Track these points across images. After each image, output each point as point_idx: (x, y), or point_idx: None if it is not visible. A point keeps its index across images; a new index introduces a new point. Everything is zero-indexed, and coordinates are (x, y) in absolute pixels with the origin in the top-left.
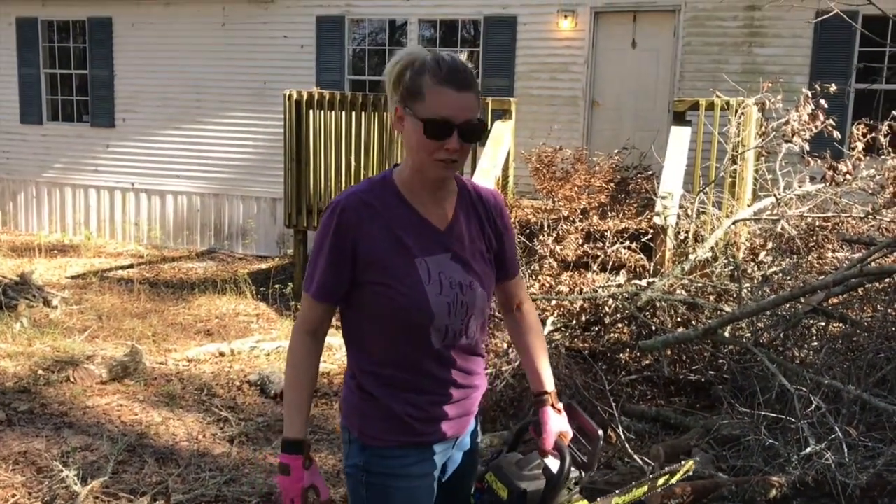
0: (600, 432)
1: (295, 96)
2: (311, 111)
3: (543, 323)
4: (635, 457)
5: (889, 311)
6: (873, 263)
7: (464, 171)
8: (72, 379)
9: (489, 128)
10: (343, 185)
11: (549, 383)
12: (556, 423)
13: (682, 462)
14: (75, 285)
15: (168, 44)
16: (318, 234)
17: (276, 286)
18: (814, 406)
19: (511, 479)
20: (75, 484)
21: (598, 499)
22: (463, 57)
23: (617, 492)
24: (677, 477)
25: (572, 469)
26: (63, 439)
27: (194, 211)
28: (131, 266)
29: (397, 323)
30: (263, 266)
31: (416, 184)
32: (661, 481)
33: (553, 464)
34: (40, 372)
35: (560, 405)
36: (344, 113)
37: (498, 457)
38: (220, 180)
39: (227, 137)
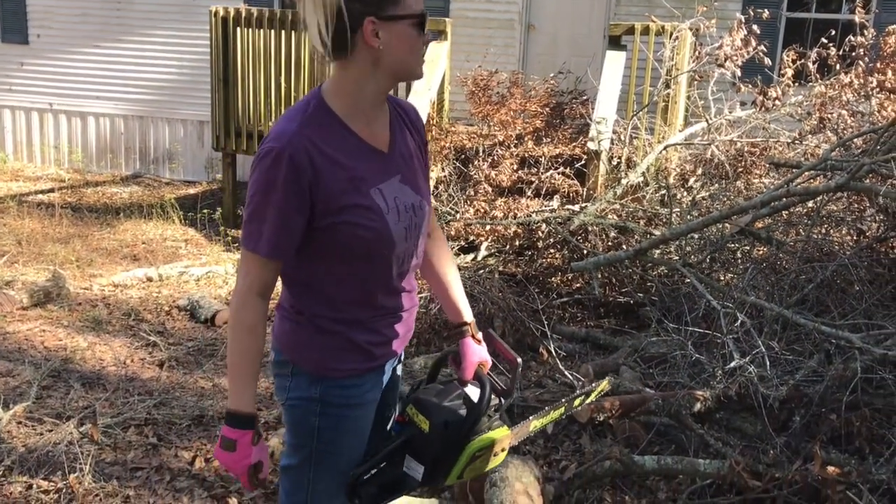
0: (519, 360)
1: (221, 13)
2: (238, 29)
3: (478, 248)
4: (566, 373)
5: (812, 234)
6: (799, 186)
7: (397, 91)
8: None
9: None
10: (273, 106)
11: (468, 314)
12: (477, 354)
13: (596, 382)
14: None
15: None
16: (260, 186)
17: (205, 211)
18: (738, 322)
19: (432, 410)
20: None
21: (516, 426)
22: None
23: (532, 417)
24: (592, 397)
25: (493, 397)
26: None
27: (118, 134)
28: (52, 190)
29: (360, 259)
30: (191, 191)
31: (359, 104)
32: (577, 402)
33: (473, 393)
34: None
35: (480, 335)
36: (273, 31)
37: (417, 388)
38: (145, 102)
39: (151, 57)
